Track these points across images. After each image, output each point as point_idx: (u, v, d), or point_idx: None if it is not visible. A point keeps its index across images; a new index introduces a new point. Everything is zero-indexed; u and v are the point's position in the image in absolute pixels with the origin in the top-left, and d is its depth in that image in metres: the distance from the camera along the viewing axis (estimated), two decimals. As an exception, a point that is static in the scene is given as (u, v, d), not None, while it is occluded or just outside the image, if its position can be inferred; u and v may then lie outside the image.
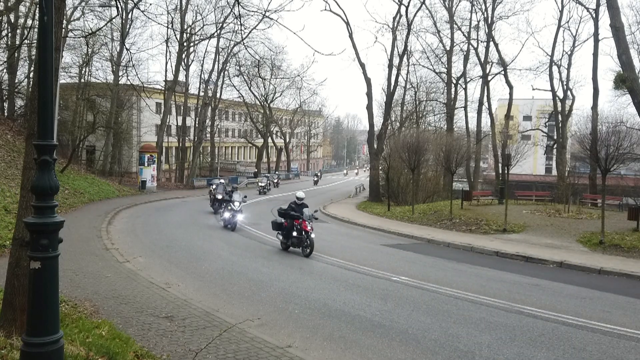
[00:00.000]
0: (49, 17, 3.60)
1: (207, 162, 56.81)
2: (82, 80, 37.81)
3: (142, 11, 12.73)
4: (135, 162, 43.16)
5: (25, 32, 29.14)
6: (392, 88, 38.37)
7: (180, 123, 47.02)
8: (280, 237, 14.76)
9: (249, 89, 54.86)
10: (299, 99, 66.41)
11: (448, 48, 40.57)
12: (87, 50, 35.22)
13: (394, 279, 11.14)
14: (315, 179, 59.11)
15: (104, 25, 33.66)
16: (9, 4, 28.23)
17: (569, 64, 38.93)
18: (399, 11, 37.99)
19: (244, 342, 6.40)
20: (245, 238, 17.10)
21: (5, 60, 28.81)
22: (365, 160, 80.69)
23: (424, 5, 38.97)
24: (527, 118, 60.68)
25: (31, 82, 29.41)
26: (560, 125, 38.81)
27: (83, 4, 31.70)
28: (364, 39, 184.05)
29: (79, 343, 5.30)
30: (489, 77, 40.64)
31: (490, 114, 41.05)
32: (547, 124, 49.49)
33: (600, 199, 20.57)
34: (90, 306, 7.73)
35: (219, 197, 22.10)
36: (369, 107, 37.63)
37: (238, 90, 54.67)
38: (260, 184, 39.75)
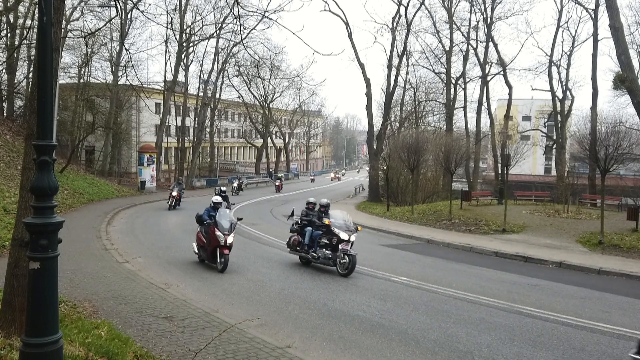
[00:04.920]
0: (48, 18, 3.60)
1: (206, 163, 56.80)
2: (82, 80, 37.83)
3: (142, 11, 12.77)
4: (134, 162, 43.17)
5: (25, 32, 29.12)
6: (391, 88, 38.38)
7: (179, 123, 47.01)
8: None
9: (249, 89, 54.92)
10: (298, 99, 66.56)
11: (447, 48, 40.58)
12: (87, 50, 35.25)
13: (394, 279, 11.13)
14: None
15: (103, 26, 33.67)
16: (8, 4, 28.22)
17: (568, 64, 38.98)
18: (398, 11, 37.99)
19: (243, 342, 6.39)
20: (244, 238, 17.08)
21: (5, 60, 28.78)
22: (365, 161, 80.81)
23: (423, 6, 39.06)
24: (527, 118, 60.65)
25: (30, 83, 29.42)
26: (559, 125, 38.81)
27: (82, 4, 31.69)
28: (363, 39, 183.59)
29: (78, 343, 5.30)
30: (488, 78, 40.64)
31: (490, 114, 41.05)
32: (546, 124, 49.49)
33: (600, 199, 20.59)
34: (89, 306, 7.72)
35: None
36: (369, 108, 37.64)
37: (237, 91, 54.78)
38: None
